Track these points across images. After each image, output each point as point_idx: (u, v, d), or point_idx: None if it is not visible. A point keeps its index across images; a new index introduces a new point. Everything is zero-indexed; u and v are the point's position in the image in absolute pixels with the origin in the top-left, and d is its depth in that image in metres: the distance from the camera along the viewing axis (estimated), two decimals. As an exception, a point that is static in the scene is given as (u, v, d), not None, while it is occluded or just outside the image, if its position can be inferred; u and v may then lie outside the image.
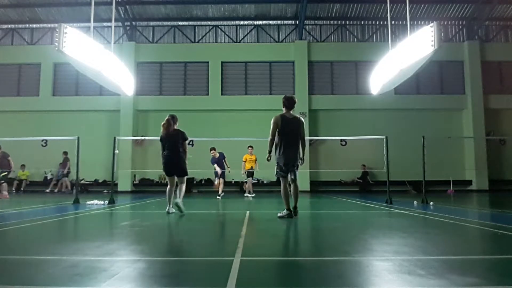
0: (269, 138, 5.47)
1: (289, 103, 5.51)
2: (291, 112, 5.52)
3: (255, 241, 3.57)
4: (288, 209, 5.39)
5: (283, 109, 5.57)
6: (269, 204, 9.30)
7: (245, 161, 12.14)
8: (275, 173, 5.56)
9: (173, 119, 6.30)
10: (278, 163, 5.45)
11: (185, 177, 6.34)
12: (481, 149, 16.01)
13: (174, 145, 6.20)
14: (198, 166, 14.96)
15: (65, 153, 14.61)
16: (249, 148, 12.21)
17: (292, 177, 5.45)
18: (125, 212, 7.32)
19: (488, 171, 15.97)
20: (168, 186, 6.33)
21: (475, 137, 15.91)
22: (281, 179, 5.54)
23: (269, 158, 5.52)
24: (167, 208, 6.22)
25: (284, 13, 17.37)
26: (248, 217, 5.76)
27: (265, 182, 15.74)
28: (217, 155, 11.32)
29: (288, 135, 5.38)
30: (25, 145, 12.94)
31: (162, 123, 6.24)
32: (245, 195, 12.44)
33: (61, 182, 15.11)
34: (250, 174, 12.24)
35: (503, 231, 4.18)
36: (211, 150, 11.30)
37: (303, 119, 5.59)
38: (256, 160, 12.22)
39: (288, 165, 5.37)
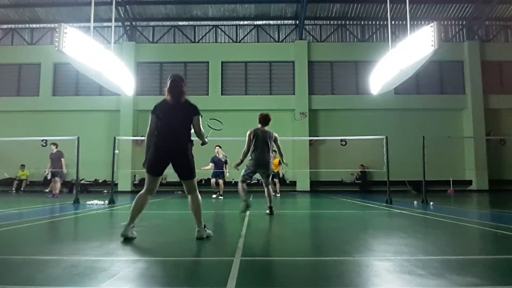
0: (244, 149, 6.07)
1: (264, 120, 6.07)
2: (265, 128, 6.09)
3: (255, 241, 3.57)
4: (245, 200, 5.93)
5: (259, 125, 6.11)
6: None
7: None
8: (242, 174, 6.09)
9: (182, 82, 3.80)
10: (248, 166, 6.05)
11: (195, 181, 3.71)
12: (481, 149, 16.00)
13: (178, 122, 3.64)
14: (198, 165, 14.94)
15: (56, 145, 11.64)
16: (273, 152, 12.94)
17: (265, 181, 6.15)
18: (125, 212, 7.31)
19: (488, 171, 15.97)
20: (142, 192, 3.65)
21: (475, 137, 15.90)
22: (241, 179, 6.05)
23: (237, 167, 6.12)
24: (125, 228, 3.52)
25: (284, 13, 17.37)
26: (248, 217, 5.76)
27: (265, 182, 15.73)
28: (221, 155, 11.12)
29: (260, 145, 5.96)
30: (25, 145, 12.95)
31: (167, 87, 3.74)
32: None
33: (53, 181, 11.72)
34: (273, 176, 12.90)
35: (503, 231, 4.18)
36: (216, 146, 11.09)
37: (276, 134, 6.16)
38: (280, 164, 12.79)
39: (256, 170, 6.02)
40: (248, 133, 6.06)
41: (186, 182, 3.70)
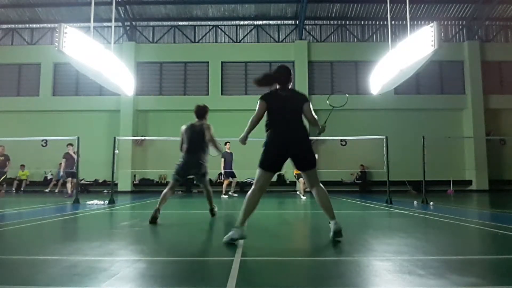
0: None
1: (196, 112, 5.42)
2: (202, 121, 5.35)
3: (255, 241, 3.57)
4: (157, 209, 4.91)
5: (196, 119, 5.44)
6: (269, 204, 9.29)
7: None
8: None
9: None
10: (175, 168, 5.24)
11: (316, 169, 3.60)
12: (481, 149, 16.01)
13: (293, 113, 3.56)
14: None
15: (72, 145, 11.57)
16: None
17: (201, 183, 5.39)
18: (125, 212, 7.32)
19: (488, 171, 15.97)
20: (255, 189, 3.44)
21: (475, 137, 15.91)
22: (169, 184, 5.23)
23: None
24: (238, 229, 3.30)
25: (284, 13, 17.37)
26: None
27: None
28: (229, 151, 11.88)
29: (189, 143, 5.22)
30: (25, 145, 12.94)
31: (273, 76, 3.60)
32: (297, 193, 12.79)
33: (67, 181, 12.11)
34: (299, 176, 12.25)
35: (503, 231, 4.18)
36: (226, 143, 11.77)
37: (207, 125, 5.31)
38: None
39: (184, 170, 5.17)
40: (181, 128, 5.41)
41: (309, 173, 3.48)
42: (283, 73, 3.58)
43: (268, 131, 3.48)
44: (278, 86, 3.60)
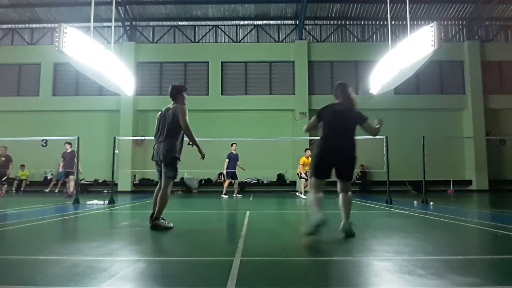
0: None
1: (169, 93, 4.85)
2: (178, 102, 4.75)
3: (255, 241, 3.57)
4: (151, 215, 4.43)
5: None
6: (269, 204, 9.30)
7: (303, 164, 11.37)
8: None
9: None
10: None
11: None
12: (481, 149, 15.99)
13: (347, 127, 4.10)
14: (198, 166, 15.01)
15: (70, 144, 11.49)
16: (307, 151, 11.41)
17: (162, 176, 4.47)
18: (125, 212, 7.32)
19: (488, 171, 15.95)
20: (314, 192, 3.84)
21: (475, 137, 15.89)
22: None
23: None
24: (316, 220, 3.54)
25: (284, 13, 17.36)
26: (248, 217, 5.76)
27: (265, 182, 15.75)
28: (235, 152, 11.94)
29: (158, 127, 4.68)
30: (25, 145, 12.95)
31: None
32: (297, 194, 12.53)
33: (67, 181, 11.68)
34: (301, 176, 11.71)
35: (503, 231, 4.18)
36: (232, 144, 11.89)
37: (181, 106, 4.64)
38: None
39: (157, 163, 4.58)
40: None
41: (344, 182, 3.93)
42: (336, 89, 4.32)
43: (320, 139, 3.99)
44: (336, 101, 4.19)
